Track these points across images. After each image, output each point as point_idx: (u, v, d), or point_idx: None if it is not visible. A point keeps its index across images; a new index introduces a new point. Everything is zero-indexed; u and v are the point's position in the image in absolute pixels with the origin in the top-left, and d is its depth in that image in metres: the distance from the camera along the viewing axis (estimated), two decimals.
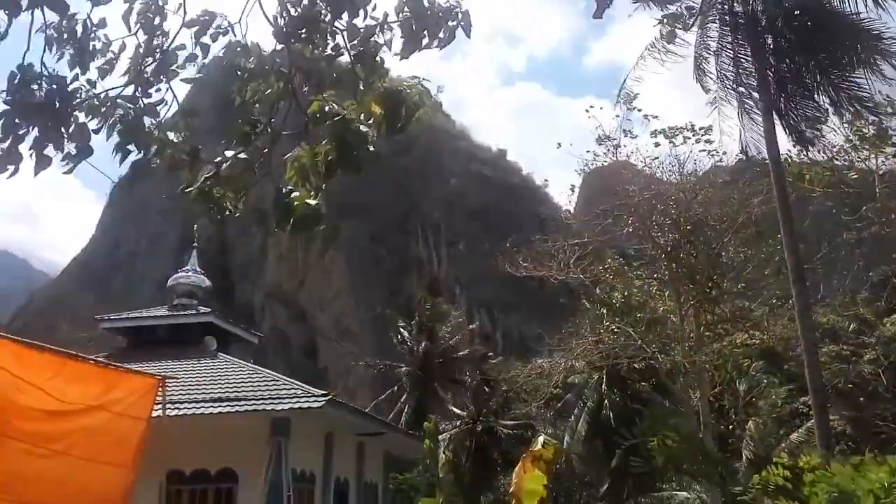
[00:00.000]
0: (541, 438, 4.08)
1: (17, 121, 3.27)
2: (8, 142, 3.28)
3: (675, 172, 18.25)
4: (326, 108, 3.42)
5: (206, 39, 3.54)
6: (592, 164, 19.32)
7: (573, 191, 21.88)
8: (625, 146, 17.70)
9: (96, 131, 3.45)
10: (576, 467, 26.12)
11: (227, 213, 3.68)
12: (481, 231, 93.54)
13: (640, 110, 17.36)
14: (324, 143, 3.42)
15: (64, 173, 3.42)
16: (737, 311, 17.59)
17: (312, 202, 3.41)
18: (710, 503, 15.79)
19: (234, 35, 3.57)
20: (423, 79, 3.46)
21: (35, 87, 3.30)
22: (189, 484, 15.96)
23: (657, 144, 17.58)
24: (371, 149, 3.38)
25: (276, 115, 3.65)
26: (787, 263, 12.74)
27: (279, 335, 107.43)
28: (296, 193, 3.47)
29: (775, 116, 13.67)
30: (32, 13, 3.21)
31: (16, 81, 3.26)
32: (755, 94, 14.21)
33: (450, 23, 3.42)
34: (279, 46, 3.49)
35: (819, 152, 13.96)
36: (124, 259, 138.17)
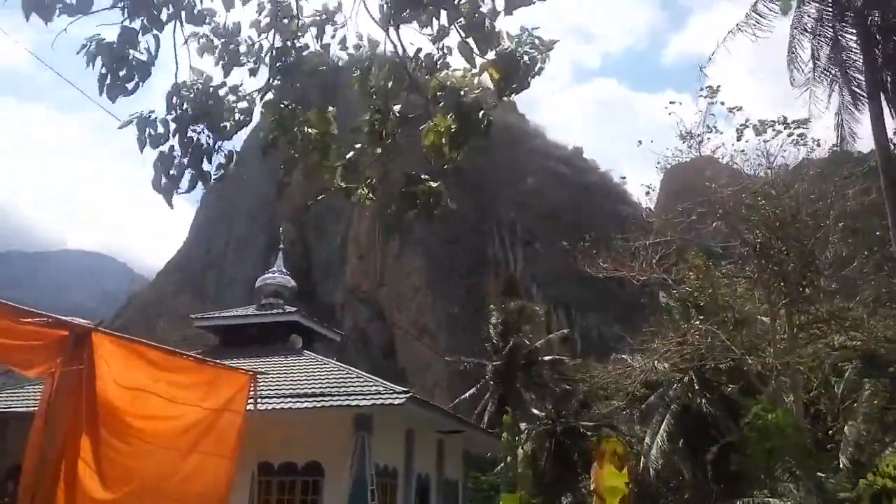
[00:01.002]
0: (605, 436, 4.05)
1: (188, 135, 3.55)
2: (186, 153, 3.55)
3: (763, 167, 17.48)
4: (447, 84, 3.52)
5: (326, 38, 3.72)
6: (674, 161, 18.78)
7: (651, 191, 21.30)
8: (708, 139, 17.08)
9: (240, 127, 3.70)
10: (658, 471, 25.43)
11: (368, 201, 3.85)
12: (558, 230, 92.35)
13: (723, 103, 16.72)
14: (449, 117, 3.52)
15: (215, 180, 3.66)
16: (834, 310, 16.62)
17: (435, 184, 3.58)
18: (804, 492, 15.02)
19: (347, 29, 3.72)
20: (533, 28, 3.44)
21: (190, 95, 3.55)
22: (278, 475, 16.62)
23: (740, 139, 16.86)
24: (486, 114, 3.45)
25: (398, 101, 3.78)
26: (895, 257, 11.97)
27: (359, 334, 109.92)
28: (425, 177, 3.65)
29: (882, 98, 12.84)
30: (174, 29, 3.47)
31: (174, 100, 3.54)
32: (857, 76, 13.41)
33: None
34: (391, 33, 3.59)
35: None
36: (215, 261, 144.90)
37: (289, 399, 16.53)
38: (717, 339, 16.43)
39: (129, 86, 3.38)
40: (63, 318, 10.76)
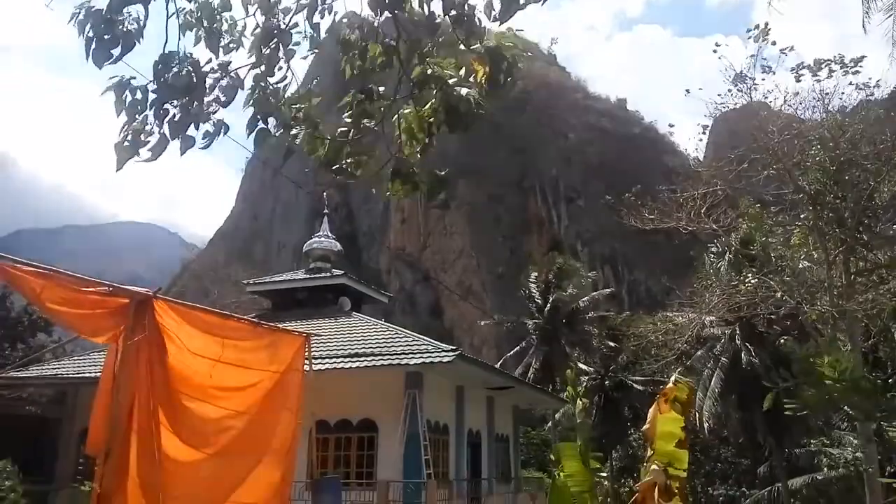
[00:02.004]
0: (673, 377, 4.03)
1: (164, 105, 3.59)
2: (162, 125, 3.60)
3: (818, 109, 16.70)
4: (429, 72, 3.51)
5: (316, 17, 3.71)
6: (724, 108, 18.07)
7: (703, 134, 20.60)
8: (762, 82, 16.32)
9: (226, 104, 3.76)
10: (710, 424, 25.33)
11: (351, 178, 3.89)
12: (602, 185, 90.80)
13: (774, 43, 15.90)
14: (429, 105, 3.51)
15: (201, 148, 3.72)
16: (894, 255, 16.01)
17: (418, 162, 3.59)
18: (866, 460, 14.80)
19: (336, 11, 3.70)
20: (517, 29, 3.42)
21: (175, 70, 3.61)
22: (334, 432, 17.21)
23: (799, 80, 16.09)
24: (476, 109, 3.43)
25: (387, 82, 3.78)
26: None
27: (406, 296, 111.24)
28: (404, 153, 3.66)
29: None
30: (167, 2, 3.52)
31: (160, 68, 3.58)
32: None
33: None
34: (383, 16, 3.57)
35: None
36: (263, 228, 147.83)
37: (341, 359, 16.99)
38: (770, 289, 16.04)
39: (115, 52, 3.41)
40: (123, 286, 11.24)
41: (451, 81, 3.42)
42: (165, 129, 3.60)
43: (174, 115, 3.59)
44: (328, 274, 24.29)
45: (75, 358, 22.86)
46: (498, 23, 3.35)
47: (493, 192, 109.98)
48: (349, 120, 3.75)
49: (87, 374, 18.66)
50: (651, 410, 4.00)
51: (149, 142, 3.58)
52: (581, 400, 5.24)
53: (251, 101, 3.72)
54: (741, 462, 30.41)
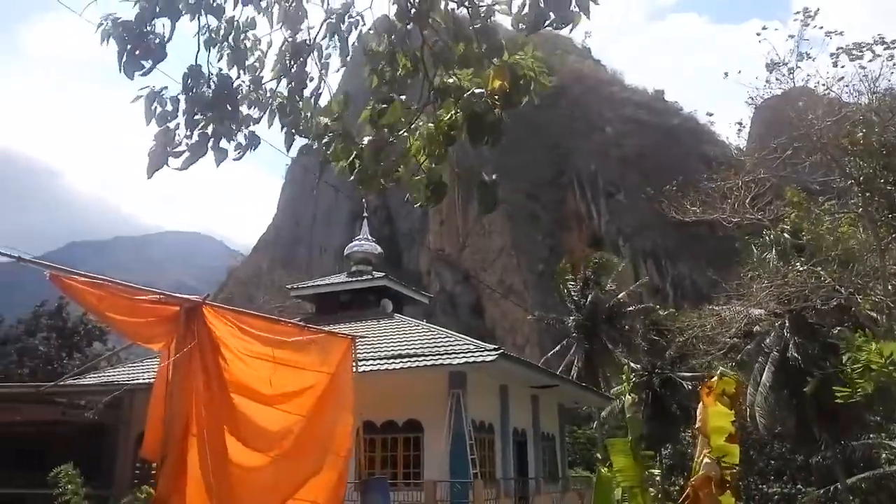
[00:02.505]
0: (718, 372, 3.98)
1: (195, 116, 3.69)
2: (192, 136, 3.70)
3: (864, 93, 16.17)
4: (450, 81, 3.52)
5: (342, 30, 3.76)
6: (765, 94, 17.65)
7: (742, 127, 20.15)
8: (800, 68, 15.88)
9: (257, 121, 3.86)
10: (762, 420, 24.73)
11: (382, 188, 3.93)
12: (641, 179, 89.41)
13: (821, 27, 15.44)
14: (449, 115, 3.51)
15: (234, 160, 3.82)
16: None
17: (436, 173, 3.60)
18: None
19: (365, 23, 3.75)
20: (534, 53, 3.41)
21: (204, 85, 3.70)
22: (380, 433, 17.39)
23: (837, 65, 15.60)
24: (499, 120, 3.43)
25: (411, 92, 3.81)
26: None
27: (447, 297, 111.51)
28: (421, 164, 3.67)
29: None
30: (197, 18, 3.62)
31: (188, 81, 3.68)
32: None
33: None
34: (410, 24, 3.60)
35: None
36: (304, 233, 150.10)
37: (385, 360, 17.13)
38: (820, 279, 15.60)
39: (146, 64, 3.50)
40: (173, 293, 11.61)
41: (476, 91, 3.43)
42: (196, 138, 3.69)
43: (206, 127, 3.68)
44: (369, 276, 24.54)
45: (130, 365, 23.61)
46: (525, 34, 3.35)
47: (531, 190, 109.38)
48: (385, 129, 3.78)
49: (142, 381, 19.27)
50: (700, 406, 3.97)
51: (181, 151, 3.68)
52: (631, 395, 5.22)
53: (280, 115, 3.78)
54: (796, 458, 29.60)
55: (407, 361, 17.13)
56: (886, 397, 19.02)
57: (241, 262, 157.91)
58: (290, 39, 3.80)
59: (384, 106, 3.70)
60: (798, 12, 14.86)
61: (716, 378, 3.99)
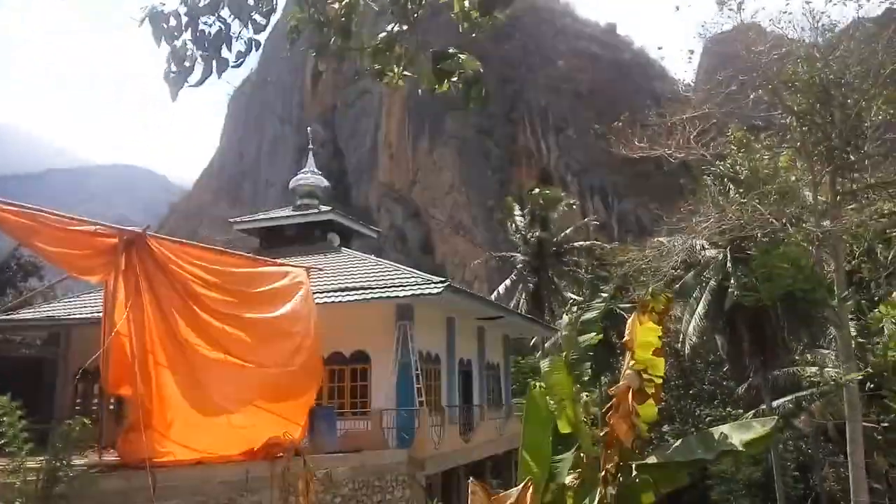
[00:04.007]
0: (650, 289, 4.07)
1: (200, 27, 3.48)
2: (201, 47, 3.49)
3: (808, 28, 16.36)
4: None
5: None
6: (714, 29, 17.67)
7: (690, 58, 20.21)
8: (749, 1, 15.92)
9: (266, 17, 3.62)
10: (696, 348, 25.91)
11: (401, 80, 3.80)
12: (591, 114, 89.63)
13: None
14: None
15: (233, 66, 3.63)
16: (881, 176, 16.01)
17: (465, 57, 3.48)
18: (845, 375, 15.23)
19: None
20: None
21: None
22: (327, 365, 17.47)
23: (787, 3, 15.72)
24: None
25: None
26: None
27: (397, 233, 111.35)
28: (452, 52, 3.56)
29: None
30: None
31: None
32: None
33: None
34: None
35: None
36: (249, 166, 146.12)
37: (332, 293, 17.07)
38: (757, 212, 16.09)
39: None
40: (110, 225, 11.14)
41: None
42: (205, 49, 3.52)
43: (210, 34, 3.51)
44: (316, 210, 24.15)
45: (66, 301, 22.90)
46: None
47: (482, 125, 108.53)
48: (392, 16, 3.62)
49: (80, 316, 18.76)
50: (630, 322, 4.06)
51: (193, 67, 3.52)
52: (567, 315, 5.28)
53: (295, 16, 3.60)
54: (727, 384, 31.33)
55: (354, 294, 17.11)
56: (792, 310, 20.09)
57: (182, 196, 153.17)
58: None
59: None
60: None
61: (647, 294, 4.08)
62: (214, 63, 3.56)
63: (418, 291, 16.60)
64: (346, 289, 17.50)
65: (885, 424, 21.18)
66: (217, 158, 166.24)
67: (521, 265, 36.37)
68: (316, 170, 26.44)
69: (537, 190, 38.53)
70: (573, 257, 37.10)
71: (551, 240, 36.23)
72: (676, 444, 4.23)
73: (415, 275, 18.22)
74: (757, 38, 16.87)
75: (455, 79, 3.61)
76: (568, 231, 37.43)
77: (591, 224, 46.08)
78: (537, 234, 36.07)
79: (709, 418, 30.03)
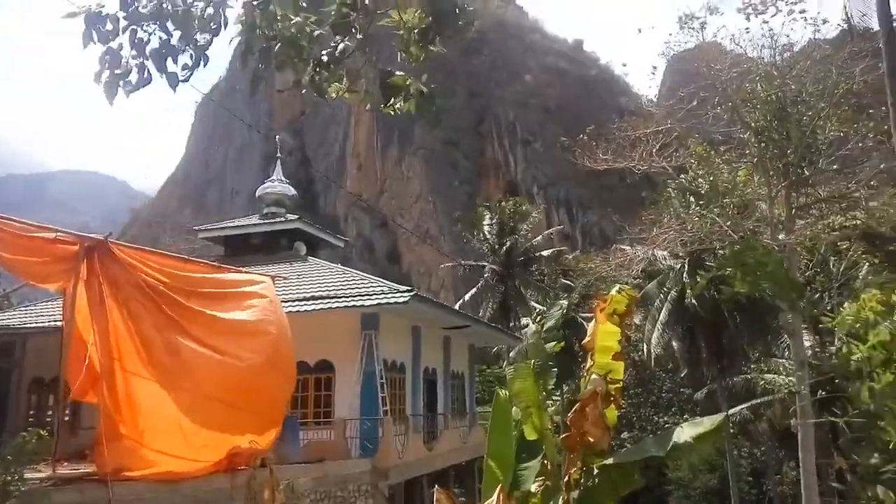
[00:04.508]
0: (614, 289, 4.15)
1: (138, 35, 3.37)
2: (140, 55, 3.39)
3: (767, 48, 16.95)
4: None
5: None
6: (677, 47, 18.19)
7: (653, 73, 20.70)
8: (713, 20, 16.40)
9: (215, 33, 3.55)
10: (657, 356, 26.35)
11: (337, 96, 3.78)
12: (558, 128, 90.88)
13: None
14: (416, 12, 3.41)
15: (182, 81, 3.50)
16: (834, 191, 16.60)
17: (409, 80, 3.49)
18: (798, 383, 15.67)
19: None
20: None
21: None
22: None
23: (749, 18, 16.25)
24: (465, 10, 3.33)
25: None
26: (893, 136, 11.83)
27: (364, 242, 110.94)
28: (398, 73, 3.56)
29: None
30: None
31: None
32: None
33: None
34: None
35: None
36: (216, 174, 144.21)
37: (298, 302, 16.94)
38: (716, 224, 16.53)
39: None
40: (71, 231, 10.91)
41: None
42: (142, 59, 3.41)
43: (148, 42, 3.40)
44: (282, 219, 23.96)
45: (22, 309, 22.28)
46: None
47: (451, 137, 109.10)
48: (335, 33, 3.60)
49: (36, 325, 18.25)
50: (591, 324, 4.15)
51: (130, 73, 3.40)
52: (534, 324, 5.36)
53: (243, 26, 3.48)
54: (686, 392, 31.91)
55: (320, 303, 17.01)
56: (749, 318, 20.56)
57: (146, 203, 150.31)
58: None
59: (347, 10, 3.51)
60: None
61: (612, 293, 4.16)
62: (161, 76, 3.46)
63: (384, 300, 16.58)
64: (312, 298, 17.38)
65: (836, 430, 21.84)
66: (182, 166, 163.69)
67: (488, 274, 36.62)
68: (283, 178, 26.25)
69: (511, 201, 39.01)
70: (540, 267, 37.51)
71: (519, 250, 36.60)
72: (633, 446, 4.34)
73: (381, 284, 18.20)
74: (717, 57, 17.39)
75: (401, 100, 3.59)
76: (535, 241, 37.87)
77: (556, 234, 46.68)
78: (507, 243, 36.42)
79: (667, 425, 30.55)
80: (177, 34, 3.43)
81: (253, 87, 3.81)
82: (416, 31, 3.46)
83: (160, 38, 3.41)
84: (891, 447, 2.35)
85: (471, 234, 39.47)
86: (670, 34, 17.59)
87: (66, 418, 17.76)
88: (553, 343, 4.88)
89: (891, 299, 2.66)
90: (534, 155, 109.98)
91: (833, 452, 16.40)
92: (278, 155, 29.32)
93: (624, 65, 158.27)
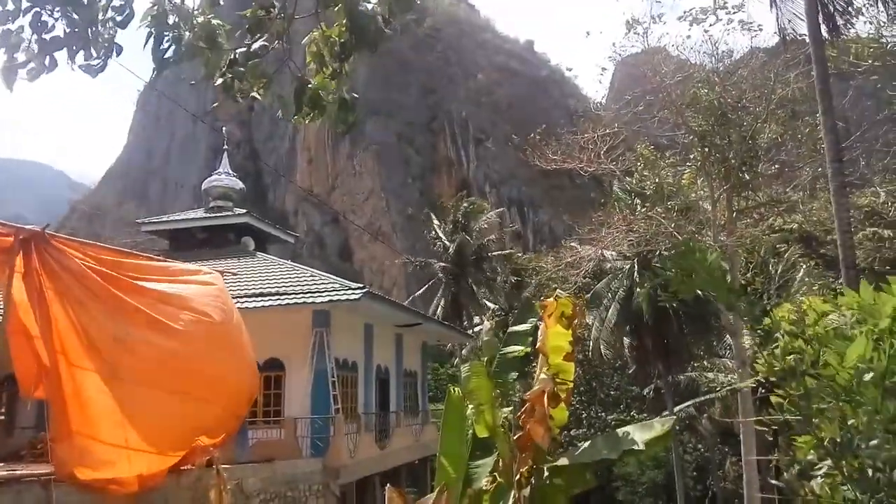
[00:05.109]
0: (555, 293, 4.26)
1: (42, 18, 3.20)
2: (41, 39, 3.23)
3: (708, 54, 17.55)
4: None
5: None
6: (624, 52, 18.65)
7: (601, 77, 21.20)
8: (657, 27, 16.92)
9: (122, 25, 3.41)
10: (606, 353, 26.96)
11: (253, 99, 3.73)
12: (510, 127, 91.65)
13: None
14: (335, 25, 3.41)
15: (91, 76, 3.35)
16: (773, 194, 17.33)
17: (330, 88, 3.47)
18: (739, 380, 16.29)
19: None
20: None
21: None
22: None
23: (690, 26, 16.82)
24: (382, 27, 3.34)
25: (289, 1, 3.60)
26: (825, 143, 12.43)
27: (315, 238, 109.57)
28: (313, 80, 3.53)
29: None
30: None
31: None
32: None
33: None
34: None
35: (865, 24, 13.24)
36: (158, 166, 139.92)
37: (247, 299, 16.64)
38: (661, 226, 17.02)
39: None
40: (5, 222, 10.45)
41: None
42: (44, 44, 3.21)
43: (52, 28, 3.21)
44: (230, 213, 23.46)
45: None
46: None
47: (403, 133, 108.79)
48: (250, 35, 3.55)
49: None
50: (541, 327, 4.24)
51: (29, 58, 3.20)
52: (488, 321, 5.43)
53: (149, 18, 3.38)
54: (633, 389, 32.74)
55: (269, 300, 16.76)
56: (692, 318, 21.24)
57: (85, 195, 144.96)
58: None
59: (263, 13, 3.45)
60: None
61: (552, 300, 4.27)
62: (71, 65, 3.29)
63: (336, 297, 16.46)
64: (262, 294, 17.11)
65: (775, 427, 22.80)
66: (123, 156, 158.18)
67: (441, 272, 36.73)
68: (231, 171, 25.71)
69: (467, 203, 39.16)
70: (491, 265, 37.84)
71: (471, 248, 36.82)
72: (584, 446, 4.46)
73: (332, 280, 18.06)
74: (662, 62, 17.90)
75: (315, 113, 3.57)
76: (487, 240, 38.18)
77: (508, 233, 47.16)
78: (459, 241, 36.59)
79: (615, 423, 31.28)
80: (84, 23, 3.26)
81: (159, 71, 3.66)
82: (335, 45, 3.43)
83: (65, 25, 3.24)
84: (826, 444, 2.51)
85: (424, 230, 39.54)
86: (615, 41, 18.03)
87: (1, 417, 17.04)
88: (518, 348, 4.96)
89: (802, 308, 2.84)
90: (486, 153, 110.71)
91: (773, 449, 17.14)
92: (225, 147, 28.68)
93: (569, 69, 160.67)
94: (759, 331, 3.26)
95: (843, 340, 2.53)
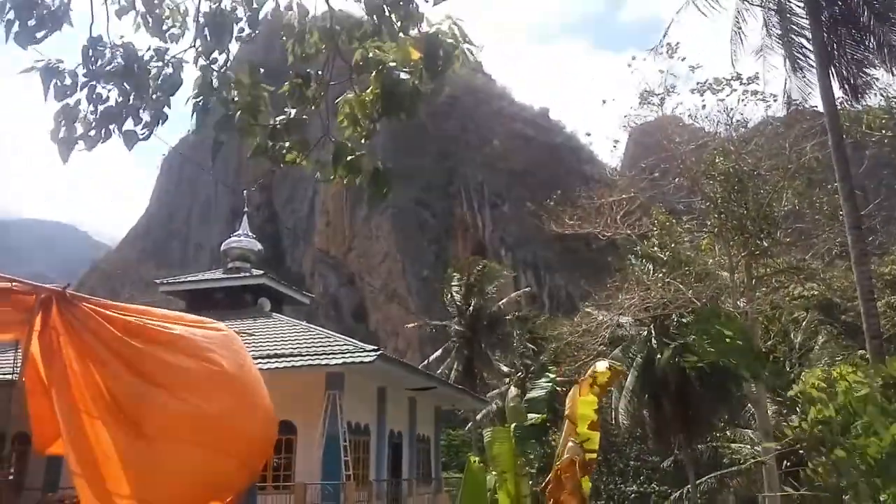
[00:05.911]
0: (603, 363, 4.16)
1: (97, 91, 3.38)
2: (97, 112, 3.40)
3: (723, 123, 17.81)
4: (370, 56, 3.51)
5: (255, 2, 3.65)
6: (638, 120, 18.99)
7: (615, 146, 21.54)
8: (667, 98, 17.27)
9: (171, 93, 3.59)
10: (625, 423, 26.24)
11: (293, 164, 3.84)
12: (525, 192, 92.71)
13: (683, 59, 16.92)
14: (369, 89, 3.53)
15: (142, 140, 3.50)
16: (791, 262, 17.19)
17: (362, 152, 3.58)
18: (764, 454, 15.75)
19: None
20: (457, 19, 3.46)
21: (109, 56, 3.41)
22: None
23: (703, 97, 17.16)
24: (415, 94, 3.44)
25: (324, 68, 3.76)
26: (843, 210, 12.40)
27: (330, 300, 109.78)
28: (349, 144, 3.65)
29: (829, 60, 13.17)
30: None
31: (89, 53, 3.36)
32: (804, 41, 13.75)
33: None
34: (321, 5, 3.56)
35: (875, 95, 13.44)
36: (180, 227, 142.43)
37: (261, 360, 16.54)
38: (679, 292, 16.89)
39: (39, 35, 3.25)
40: (27, 280, 10.64)
41: (390, 65, 3.40)
42: (100, 115, 3.41)
43: (106, 100, 3.41)
44: (247, 274, 23.64)
45: None
46: (432, 3, 3.39)
47: (420, 197, 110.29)
48: (290, 104, 3.69)
49: None
50: (571, 392, 4.15)
51: (86, 130, 3.40)
52: (514, 387, 5.33)
53: (197, 89, 3.52)
54: (652, 460, 31.70)
55: (283, 361, 16.64)
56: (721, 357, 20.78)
57: (106, 255, 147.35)
58: (207, 7, 3.59)
59: (299, 81, 3.60)
60: (661, 45, 16.14)
61: (602, 368, 4.16)
62: (119, 135, 3.46)
63: (350, 359, 16.31)
64: (276, 355, 17.02)
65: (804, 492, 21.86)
66: (146, 218, 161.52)
67: (455, 335, 36.41)
68: (250, 233, 26.05)
69: (481, 265, 39.18)
70: (506, 329, 37.46)
71: (486, 311, 36.56)
72: None
73: (346, 342, 17.95)
74: (677, 130, 18.18)
75: (353, 175, 3.62)
76: (502, 303, 37.94)
77: (522, 297, 46.88)
78: (473, 303, 36.39)
79: (633, 495, 30.18)
80: (134, 92, 3.44)
81: (214, 152, 3.84)
82: (363, 108, 3.55)
83: (118, 96, 3.43)
84: None
85: (440, 293, 39.40)
86: (631, 108, 18.41)
87: (11, 477, 16.82)
88: (537, 415, 4.85)
89: (832, 375, 2.77)
90: (501, 216, 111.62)
91: None
92: (245, 209, 29.19)
93: (588, 134, 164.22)
94: (783, 400, 3.17)
95: (877, 408, 2.46)
